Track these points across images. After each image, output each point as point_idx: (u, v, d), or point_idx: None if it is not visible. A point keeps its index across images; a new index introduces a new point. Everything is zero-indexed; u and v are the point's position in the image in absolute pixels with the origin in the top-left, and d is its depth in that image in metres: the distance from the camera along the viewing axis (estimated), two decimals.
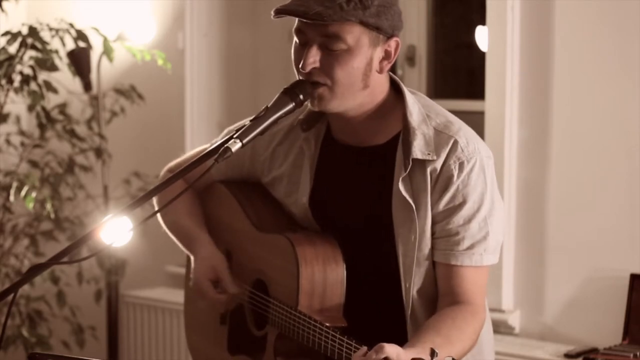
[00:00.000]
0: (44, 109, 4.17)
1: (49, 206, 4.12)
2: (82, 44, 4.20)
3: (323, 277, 2.26)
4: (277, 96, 2.15)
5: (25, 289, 4.33)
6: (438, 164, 2.19)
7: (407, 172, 2.20)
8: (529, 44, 3.61)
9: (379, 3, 2.14)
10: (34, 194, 4.03)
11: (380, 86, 2.23)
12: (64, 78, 4.33)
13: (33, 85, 4.07)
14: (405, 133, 2.21)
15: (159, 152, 4.54)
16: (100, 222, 2.00)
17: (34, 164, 4.35)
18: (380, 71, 2.20)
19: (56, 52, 4.09)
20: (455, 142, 2.20)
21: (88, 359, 1.89)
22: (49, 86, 4.10)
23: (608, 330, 3.44)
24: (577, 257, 3.55)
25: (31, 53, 4.07)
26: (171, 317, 4.43)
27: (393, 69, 2.45)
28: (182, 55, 4.53)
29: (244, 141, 2.05)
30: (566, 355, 3.42)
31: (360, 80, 2.17)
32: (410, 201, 2.20)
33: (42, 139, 4.30)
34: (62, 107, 4.34)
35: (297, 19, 2.16)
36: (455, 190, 2.19)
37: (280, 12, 2.13)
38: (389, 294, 2.27)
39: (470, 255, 2.20)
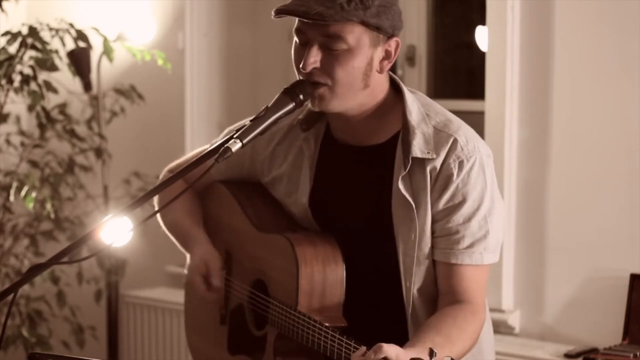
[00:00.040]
0: (44, 109, 4.16)
1: (49, 206, 4.12)
2: (82, 44, 4.20)
3: (323, 277, 2.26)
4: (277, 96, 2.15)
5: (25, 289, 4.33)
6: (438, 163, 2.19)
7: (407, 171, 2.19)
8: (529, 44, 3.61)
9: (380, 3, 2.14)
10: (34, 194, 4.03)
11: (380, 86, 2.23)
12: (64, 78, 4.33)
13: (33, 85, 4.07)
14: (404, 132, 2.21)
15: (159, 152, 4.54)
16: (100, 222, 2.00)
17: (34, 164, 4.34)
18: (381, 71, 2.20)
19: (56, 52, 4.09)
20: (455, 141, 2.20)
21: (88, 359, 1.89)
22: (49, 86, 4.10)
23: (608, 330, 3.44)
24: (577, 257, 3.55)
25: (31, 53, 4.07)
26: (171, 317, 4.43)
27: (393, 69, 2.45)
28: (182, 55, 4.53)
29: (244, 141, 2.05)
30: (566, 355, 3.42)
31: (360, 80, 2.17)
32: (410, 200, 2.20)
33: (42, 139, 4.30)
34: (62, 107, 4.34)
35: (297, 19, 2.16)
36: (455, 188, 2.18)
37: (280, 12, 2.13)
38: (390, 294, 2.26)
39: (470, 254, 2.20)
